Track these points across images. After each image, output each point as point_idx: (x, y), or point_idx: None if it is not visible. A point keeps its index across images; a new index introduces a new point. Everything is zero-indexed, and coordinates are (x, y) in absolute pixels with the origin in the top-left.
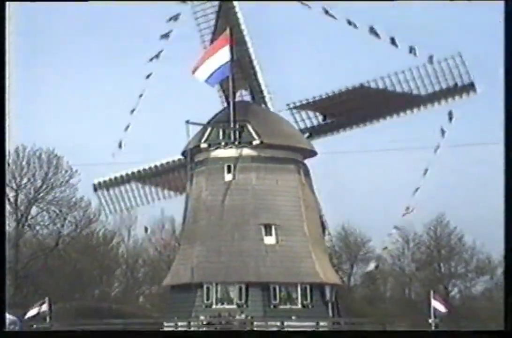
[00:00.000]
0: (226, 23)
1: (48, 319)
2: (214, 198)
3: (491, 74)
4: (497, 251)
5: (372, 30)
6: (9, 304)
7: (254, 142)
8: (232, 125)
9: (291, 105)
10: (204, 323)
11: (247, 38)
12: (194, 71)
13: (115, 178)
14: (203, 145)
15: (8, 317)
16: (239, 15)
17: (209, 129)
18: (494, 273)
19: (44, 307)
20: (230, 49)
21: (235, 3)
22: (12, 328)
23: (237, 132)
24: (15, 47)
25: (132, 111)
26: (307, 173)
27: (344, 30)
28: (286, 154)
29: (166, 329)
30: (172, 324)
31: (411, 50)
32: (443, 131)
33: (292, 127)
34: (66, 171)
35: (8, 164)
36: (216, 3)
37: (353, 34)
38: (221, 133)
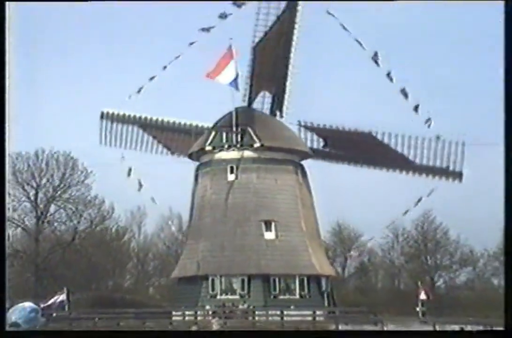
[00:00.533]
0: (280, 28)
1: (66, 307)
2: (218, 197)
3: None
4: (479, 244)
5: (404, 92)
6: (31, 294)
7: (255, 145)
8: (234, 129)
9: (302, 123)
10: (210, 312)
11: (292, 49)
12: (212, 74)
13: (123, 115)
14: (208, 148)
15: (30, 305)
16: (297, 25)
17: (213, 133)
18: (476, 265)
19: (63, 297)
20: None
21: (298, 14)
22: (33, 316)
23: (239, 136)
24: (18, 48)
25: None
26: (304, 173)
27: (382, 81)
28: (284, 156)
29: (174, 318)
30: (179, 313)
31: (427, 121)
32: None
33: (290, 131)
34: (82, 172)
35: (29, 166)
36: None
37: (388, 87)
38: (224, 136)
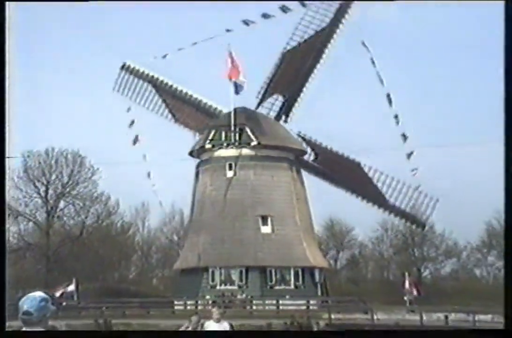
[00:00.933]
0: (315, 44)
1: (75, 297)
2: (218, 192)
3: None
4: (463, 238)
5: (404, 136)
6: (42, 284)
7: (252, 143)
8: (233, 128)
9: (301, 133)
10: (210, 302)
11: (318, 65)
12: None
13: (143, 72)
14: (208, 146)
15: (40, 294)
16: (330, 45)
17: (213, 132)
18: (460, 257)
19: (72, 287)
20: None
21: (335, 36)
22: (44, 304)
23: (237, 135)
24: (20, 47)
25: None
26: (298, 170)
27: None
28: (280, 154)
29: (176, 307)
30: (181, 302)
31: (413, 170)
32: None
33: (285, 130)
34: (89, 169)
35: (40, 163)
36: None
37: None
38: (223, 135)
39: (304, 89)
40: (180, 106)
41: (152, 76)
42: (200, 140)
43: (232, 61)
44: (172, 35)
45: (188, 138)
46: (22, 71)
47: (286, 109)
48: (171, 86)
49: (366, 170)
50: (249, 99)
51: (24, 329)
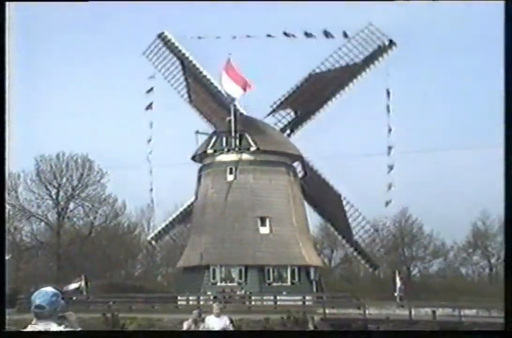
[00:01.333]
0: (343, 74)
1: (84, 292)
2: (219, 195)
3: None
4: (450, 238)
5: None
6: (53, 280)
7: (252, 149)
8: (233, 134)
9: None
10: (211, 297)
11: (338, 95)
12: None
13: (177, 46)
14: (210, 151)
15: (51, 289)
16: (356, 80)
17: (214, 138)
18: (447, 256)
19: (81, 283)
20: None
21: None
22: (55, 299)
23: (238, 140)
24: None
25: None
26: (295, 174)
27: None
28: (278, 159)
29: (179, 302)
30: (184, 298)
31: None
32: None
33: (282, 137)
34: (97, 172)
35: (51, 167)
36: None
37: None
38: (224, 141)
39: (317, 112)
40: (199, 89)
41: (183, 54)
42: (202, 146)
43: (232, 71)
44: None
45: (191, 144)
46: (24, 73)
47: (294, 125)
48: (197, 68)
49: (344, 203)
50: (252, 106)
51: (36, 321)
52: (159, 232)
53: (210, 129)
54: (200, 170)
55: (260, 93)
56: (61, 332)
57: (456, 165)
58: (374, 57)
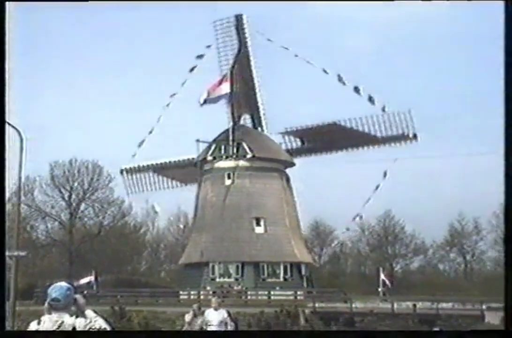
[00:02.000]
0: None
1: (94, 287)
2: (217, 198)
3: None
4: (429, 237)
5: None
6: (66, 275)
7: (248, 156)
8: (231, 143)
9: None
10: (210, 292)
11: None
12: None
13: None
14: (209, 158)
15: (65, 284)
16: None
17: (213, 146)
18: (426, 254)
19: (91, 278)
20: (230, 86)
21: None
22: (69, 293)
23: (235, 148)
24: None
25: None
26: (287, 179)
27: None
28: (272, 165)
29: (181, 296)
30: (185, 292)
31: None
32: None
33: (276, 145)
34: (106, 177)
35: (64, 172)
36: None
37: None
38: (223, 149)
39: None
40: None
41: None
42: (203, 153)
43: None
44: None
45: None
46: (26, 77)
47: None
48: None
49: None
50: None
51: (48, 312)
52: (134, 167)
53: (209, 137)
54: (201, 175)
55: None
56: (60, 332)
57: (435, 171)
58: (393, 140)
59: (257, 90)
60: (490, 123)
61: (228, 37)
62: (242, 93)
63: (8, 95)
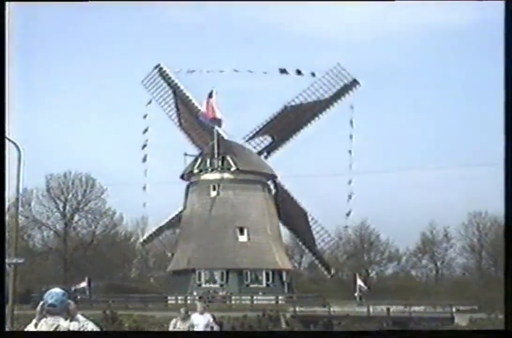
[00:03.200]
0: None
1: (87, 292)
2: (203, 209)
3: None
4: (403, 245)
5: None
6: (60, 281)
7: (232, 169)
8: (216, 156)
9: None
10: (197, 297)
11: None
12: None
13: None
14: (196, 170)
15: (60, 290)
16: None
17: (199, 159)
18: (400, 260)
19: (85, 284)
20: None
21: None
22: (64, 298)
23: (220, 162)
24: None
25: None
26: (269, 190)
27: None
28: (255, 178)
29: (169, 301)
30: (173, 297)
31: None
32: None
33: (259, 158)
34: (99, 189)
35: (59, 184)
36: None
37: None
38: (208, 162)
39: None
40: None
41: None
42: (190, 166)
43: (208, 102)
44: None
45: (180, 164)
46: (28, 83)
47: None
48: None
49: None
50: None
51: (48, 317)
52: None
53: (196, 152)
54: (188, 187)
55: (243, 120)
56: (60, 332)
57: (408, 183)
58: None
59: (296, 134)
60: (460, 138)
61: (332, 83)
62: (282, 122)
63: (8, 108)
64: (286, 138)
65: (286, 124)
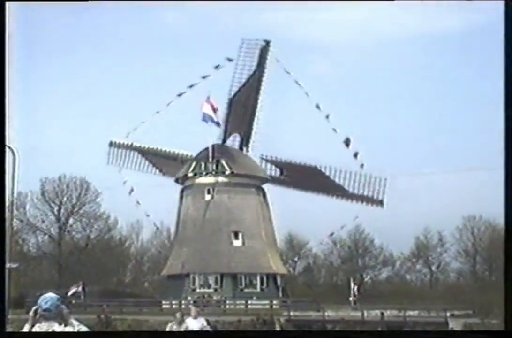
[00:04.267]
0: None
1: (82, 296)
2: (198, 213)
3: None
4: (397, 250)
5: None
6: (55, 285)
7: (227, 172)
8: (211, 160)
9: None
10: (191, 302)
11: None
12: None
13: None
14: (190, 174)
15: (55, 295)
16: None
17: (194, 163)
18: (394, 265)
19: (79, 288)
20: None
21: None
22: (59, 303)
23: (214, 165)
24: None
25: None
26: (264, 194)
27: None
28: (249, 181)
29: (163, 306)
30: (168, 302)
31: (355, 155)
32: None
33: (253, 162)
34: (93, 192)
35: (54, 187)
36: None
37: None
38: (203, 166)
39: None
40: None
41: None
42: (184, 170)
43: (210, 104)
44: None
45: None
46: (27, 87)
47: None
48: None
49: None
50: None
51: (42, 322)
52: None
53: (191, 155)
54: (182, 191)
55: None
56: (59, 332)
57: (402, 188)
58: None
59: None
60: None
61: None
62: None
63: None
64: (292, 185)
65: (302, 178)
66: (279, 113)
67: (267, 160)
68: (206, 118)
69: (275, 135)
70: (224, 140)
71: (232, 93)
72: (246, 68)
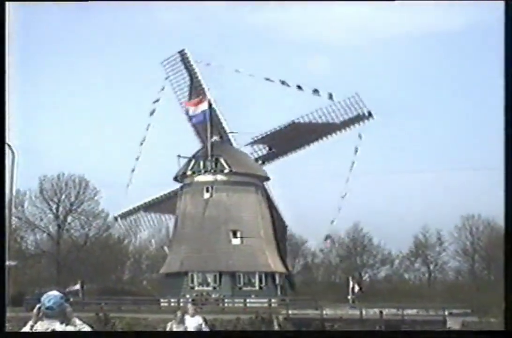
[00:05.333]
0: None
1: (80, 294)
2: (196, 211)
3: None
4: (395, 248)
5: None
6: (54, 283)
7: (225, 171)
8: (209, 158)
9: (248, 142)
10: (189, 300)
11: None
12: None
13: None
14: (189, 172)
15: (58, 293)
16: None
17: (193, 161)
18: (393, 263)
19: (78, 286)
20: (208, 106)
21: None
22: (62, 301)
23: (213, 164)
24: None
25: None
26: (263, 193)
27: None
28: (248, 180)
29: (162, 304)
30: (166, 300)
31: (315, 91)
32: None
33: (252, 160)
34: (92, 190)
35: (52, 185)
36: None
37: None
38: (202, 164)
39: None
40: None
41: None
42: (183, 168)
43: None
44: None
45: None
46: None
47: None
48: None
49: (301, 121)
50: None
51: (44, 320)
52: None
53: (189, 153)
54: (181, 189)
55: (246, 124)
56: (59, 332)
57: (400, 186)
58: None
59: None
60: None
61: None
62: (284, 137)
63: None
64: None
65: (289, 139)
66: (236, 102)
67: (252, 143)
68: (206, 116)
69: (245, 122)
70: (254, 142)
71: (301, 120)
72: (333, 114)
